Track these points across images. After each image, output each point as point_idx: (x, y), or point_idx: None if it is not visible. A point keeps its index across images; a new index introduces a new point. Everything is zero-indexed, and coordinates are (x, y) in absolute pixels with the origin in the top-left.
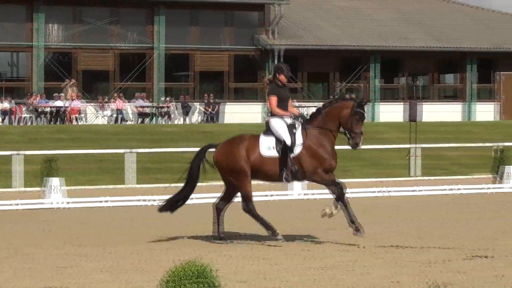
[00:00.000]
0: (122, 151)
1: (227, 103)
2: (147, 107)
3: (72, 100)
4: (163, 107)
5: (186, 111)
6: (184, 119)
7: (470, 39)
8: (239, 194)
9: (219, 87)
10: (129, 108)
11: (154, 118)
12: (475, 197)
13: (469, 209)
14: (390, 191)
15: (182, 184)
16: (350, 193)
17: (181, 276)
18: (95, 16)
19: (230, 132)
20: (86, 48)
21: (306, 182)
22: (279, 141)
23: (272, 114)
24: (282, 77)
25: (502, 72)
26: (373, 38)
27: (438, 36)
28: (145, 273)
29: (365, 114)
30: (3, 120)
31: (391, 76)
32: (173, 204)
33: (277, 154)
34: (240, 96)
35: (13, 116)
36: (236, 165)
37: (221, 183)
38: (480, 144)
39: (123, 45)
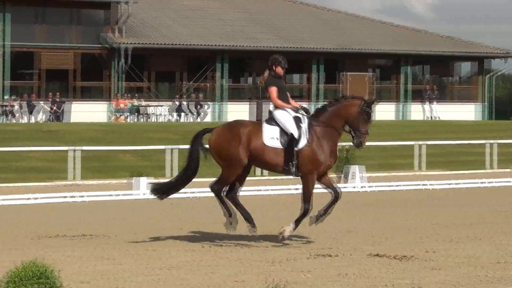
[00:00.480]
0: None
1: (73, 102)
2: None
3: None
4: (6, 106)
5: (31, 110)
6: (29, 118)
7: (316, 40)
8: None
9: (65, 86)
10: None
11: None
12: (322, 197)
13: (313, 208)
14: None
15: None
16: (197, 193)
17: (21, 277)
18: None
19: (75, 131)
20: None
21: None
22: (284, 133)
23: (275, 106)
24: (279, 69)
25: (348, 73)
26: (220, 38)
27: (285, 36)
28: None
29: (373, 114)
30: None
31: (239, 76)
32: (166, 189)
33: (280, 146)
34: (87, 95)
35: None
36: (233, 151)
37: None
38: None
39: None
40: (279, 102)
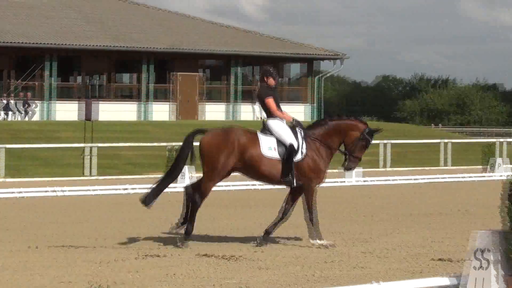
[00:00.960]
0: None
1: None
2: None
3: None
4: None
5: None
6: None
7: (147, 39)
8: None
9: None
10: None
11: None
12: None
13: (136, 208)
14: (64, 191)
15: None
16: (24, 193)
17: None
18: None
19: None
20: None
21: None
22: (281, 143)
23: (269, 115)
24: (271, 81)
25: (178, 73)
26: (49, 36)
27: (115, 35)
28: None
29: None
30: None
31: (68, 75)
32: (156, 194)
33: (278, 156)
34: None
35: None
36: (222, 159)
37: None
38: (155, 144)
39: None
40: (279, 113)
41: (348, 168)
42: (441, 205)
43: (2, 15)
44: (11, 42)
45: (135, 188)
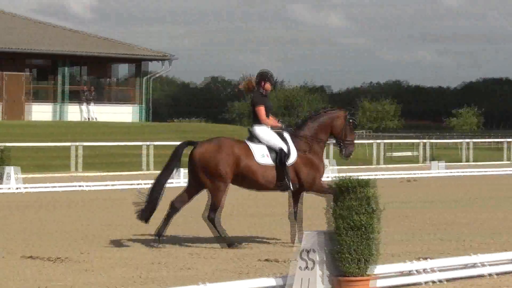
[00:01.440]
0: None
1: None
2: None
3: None
4: None
5: None
6: None
7: None
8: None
9: None
10: None
11: None
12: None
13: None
14: None
15: None
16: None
17: None
18: None
19: None
20: None
21: None
22: (271, 150)
23: (256, 122)
24: (267, 86)
25: (4, 72)
26: None
27: None
28: None
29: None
30: None
31: None
32: (152, 209)
33: (272, 162)
34: None
35: None
36: (220, 170)
37: None
38: None
39: None
40: (268, 121)
41: (348, 154)
42: (266, 207)
43: None
44: None
45: None
